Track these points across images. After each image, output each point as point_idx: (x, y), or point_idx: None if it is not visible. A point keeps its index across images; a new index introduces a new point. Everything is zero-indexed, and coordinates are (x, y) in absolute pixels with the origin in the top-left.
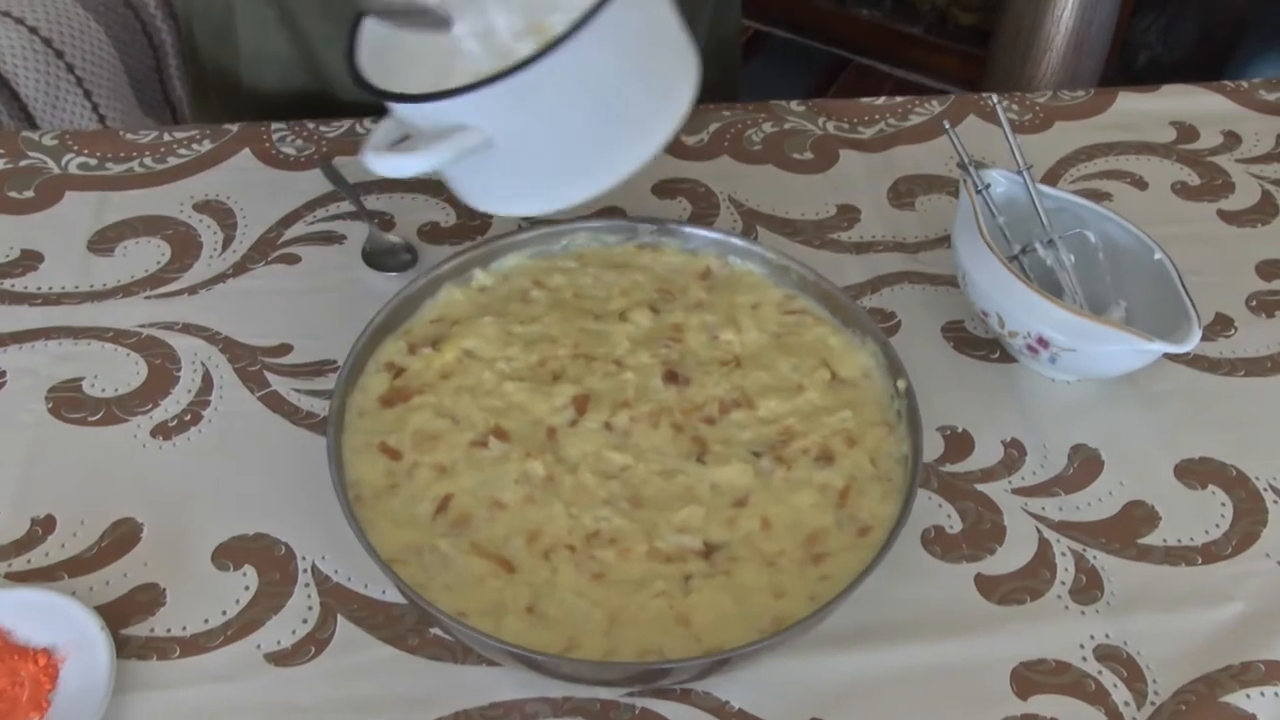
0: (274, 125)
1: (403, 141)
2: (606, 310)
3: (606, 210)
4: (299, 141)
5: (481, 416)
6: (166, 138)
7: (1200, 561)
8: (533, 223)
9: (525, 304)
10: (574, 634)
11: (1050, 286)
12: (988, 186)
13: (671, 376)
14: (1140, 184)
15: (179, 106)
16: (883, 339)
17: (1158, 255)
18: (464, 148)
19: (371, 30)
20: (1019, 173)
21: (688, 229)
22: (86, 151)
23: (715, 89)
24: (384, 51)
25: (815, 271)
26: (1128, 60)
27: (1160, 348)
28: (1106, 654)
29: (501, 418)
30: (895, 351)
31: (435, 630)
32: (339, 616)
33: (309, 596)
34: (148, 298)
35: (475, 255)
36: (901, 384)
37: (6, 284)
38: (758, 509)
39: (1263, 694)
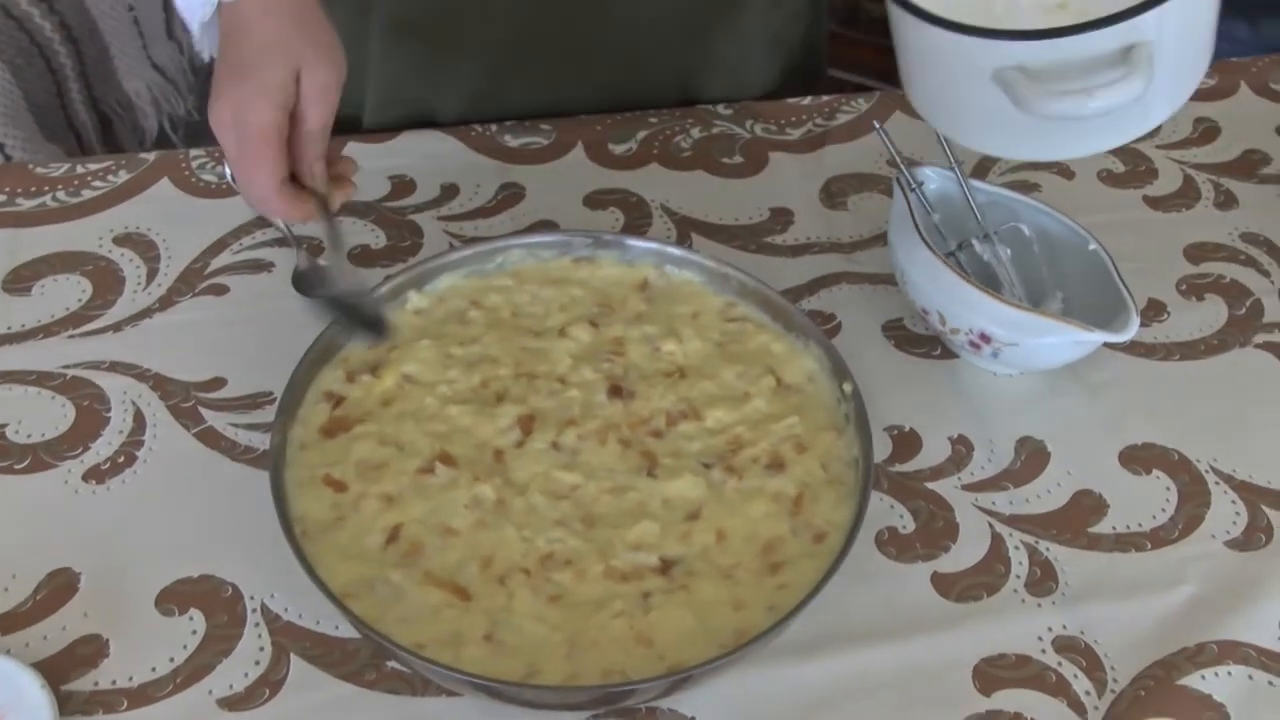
0: (193, 152)
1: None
2: (546, 327)
3: (539, 225)
4: (219, 168)
5: (426, 442)
6: (80, 170)
7: (1149, 547)
8: (464, 241)
9: (463, 325)
10: (534, 660)
11: (988, 281)
12: (920, 184)
13: (616, 391)
14: (1067, 173)
15: (84, 133)
16: (825, 342)
17: (1092, 246)
18: (1151, 59)
19: None
20: (950, 169)
21: (625, 240)
22: None
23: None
24: None
25: (754, 277)
26: None
27: (1100, 337)
28: (1065, 645)
29: (447, 443)
30: (839, 354)
31: (393, 664)
32: (292, 655)
33: (260, 637)
34: (71, 337)
35: (409, 277)
36: (847, 387)
37: None
38: (712, 521)
39: (1217, 674)
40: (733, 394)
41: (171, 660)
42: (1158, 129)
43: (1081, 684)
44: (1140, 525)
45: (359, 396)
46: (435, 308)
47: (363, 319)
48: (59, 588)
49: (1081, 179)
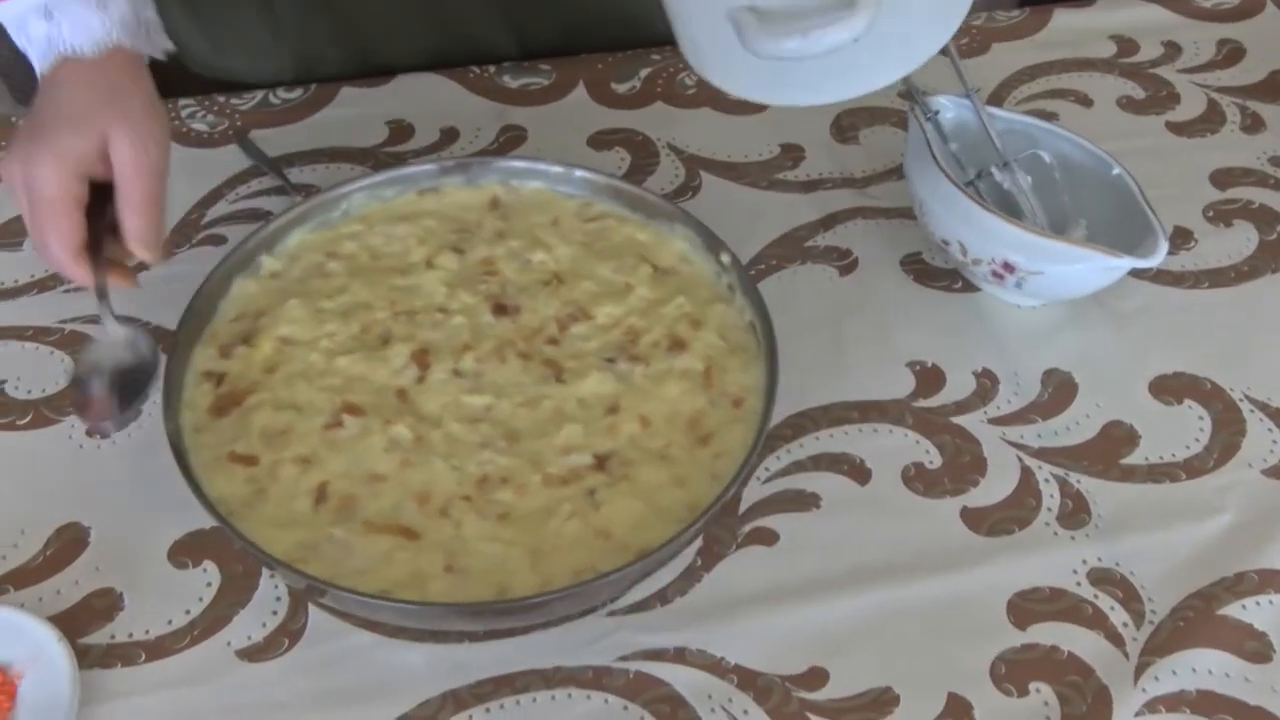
0: (182, 101)
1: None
2: (410, 263)
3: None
4: (210, 116)
5: (325, 398)
6: None
7: (1184, 477)
8: (304, 195)
9: (325, 278)
10: (501, 579)
11: (1009, 210)
12: (936, 113)
13: (500, 309)
14: (1085, 101)
15: None
16: (691, 220)
17: (1116, 170)
18: None
19: None
20: (966, 96)
21: (466, 163)
22: None
23: None
24: None
25: (602, 172)
26: None
27: (1128, 263)
28: (1100, 577)
29: (346, 394)
30: (708, 229)
31: None
32: (310, 605)
33: (276, 587)
34: (65, 292)
35: (257, 242)
36: (725, 258)
37: None
38: (631, 410)
39: (1258, 603)
40: (614, 288)
41: (187, 612)
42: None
43: (1119, 615)
44: (1174, 455)
45: (240, 369)
46: (291, 267)
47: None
48: (69, 542)
49: (1100, 106)
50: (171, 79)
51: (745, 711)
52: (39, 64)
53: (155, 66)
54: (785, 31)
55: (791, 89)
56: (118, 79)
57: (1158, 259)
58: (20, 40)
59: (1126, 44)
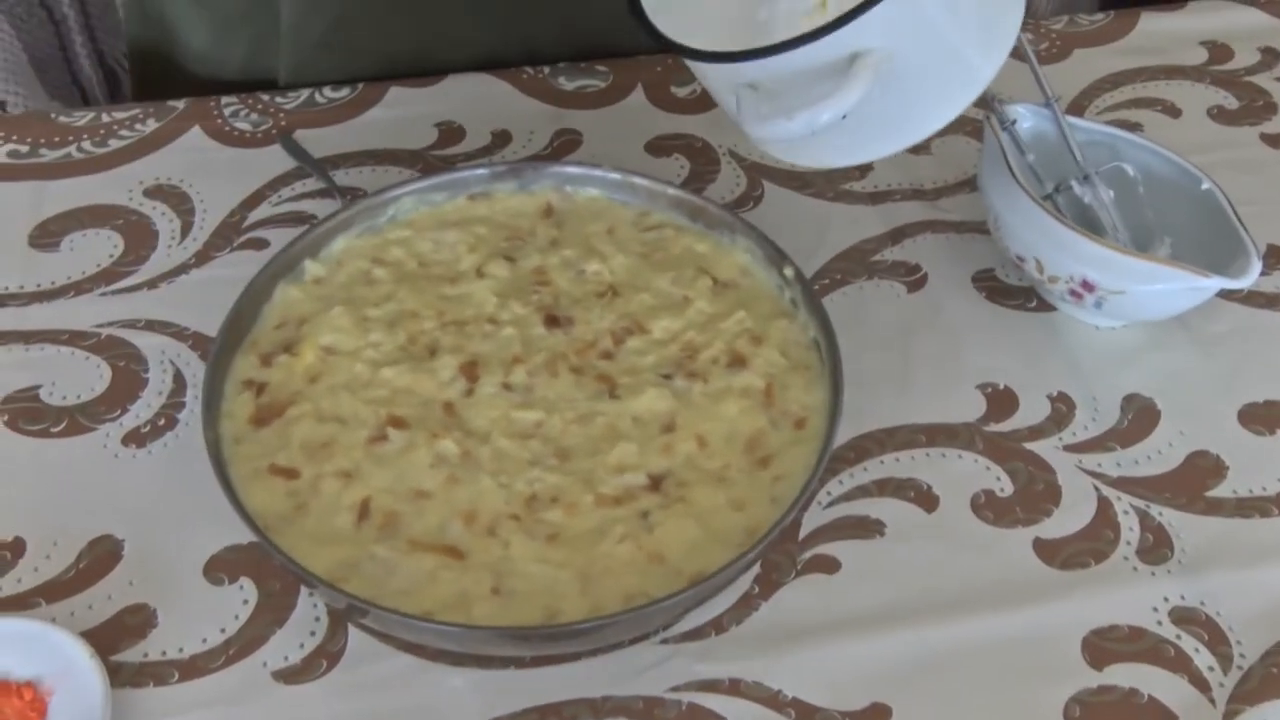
0: (224, 99)
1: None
2: (459, 271)
3: (416, 163)
4: (254, 115)
5: (369, 410)
6: (105, 118)
7: (1276, 513)
8: (349, 199)
9: (370, 285)
10: (550, 602)
11: (1089, 226)
12: (1013, 122)
13: (553, 321)
14: (1173, 111)
15: (89, 88)
16: (754, 232)
17: (1205, 185)
18: (876, 69)
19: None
20: (1046, 105)
21: (519, 168)
22: (15, 137)
23: None
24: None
25: (660, 180)
26: None
27: (1217, 283)
28: (1183, 617)
29: (391, 406)
30: (771, 241)
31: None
32: (349, 625)
33: (315, 606)
34: (103, 294)
35: (301, 247)
36: (789, 271)
37: None
38: (688, 429)
39: None
40: (671, 301)
41: (223, 631)
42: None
43: (1204, 659)
44: (1265, 489)
45: (281, 379)
46: (335, 273)
47: None
48: (102, 555)
49: (1189, 116)
50: (163, 79)
51: None
52: None
53: (147, 65)
54: (771, 113)
55: (822, 151)
56: None
57: (1250, 279)
58: None
59: (1219, 50)
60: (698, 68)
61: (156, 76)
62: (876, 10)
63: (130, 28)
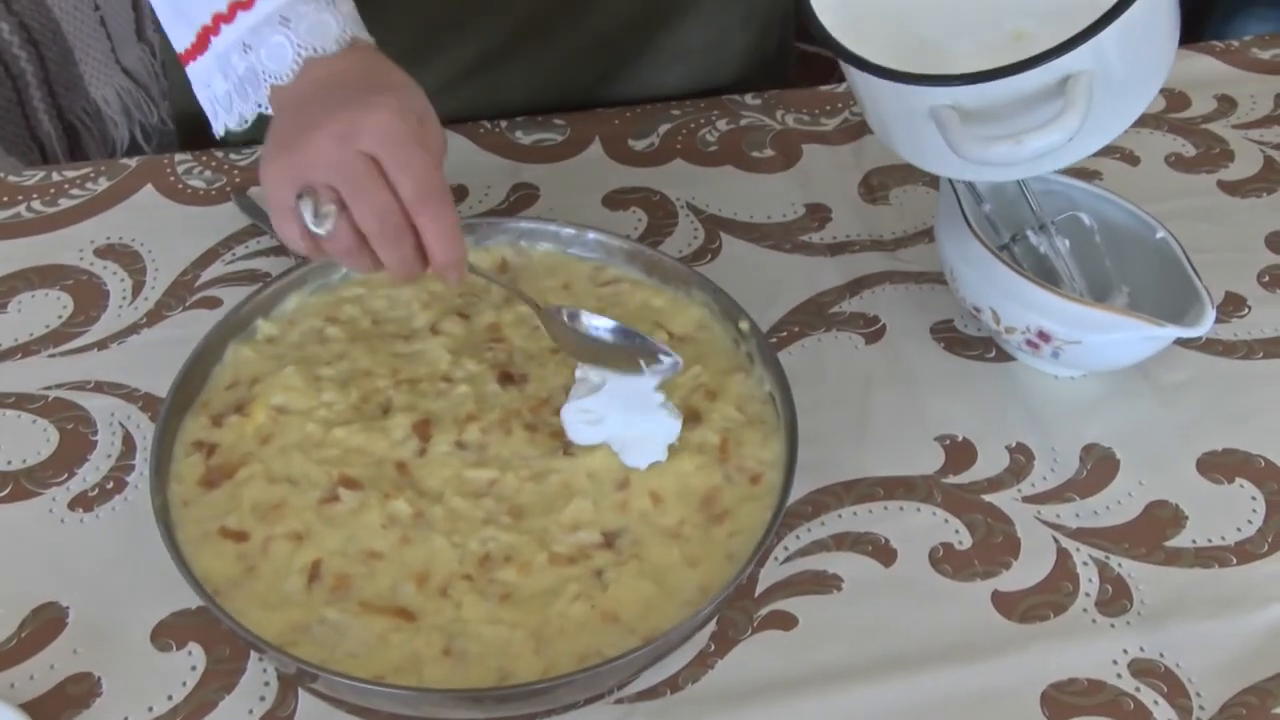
0: (178, 156)
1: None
2: (413, 329)
3: None
4: (207, 172)
5: (321, 471)
6: (56, 177)
7: (1235, 562)
8: (299, 260)
9: (323, 344)
10: (503, 663)
11: (1046, 275)
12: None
13: (507, 378)
14: (1131, 159)
15: (48, 144)
16: (710, 286)
17: (1160, 234)
18: (1090, 91)
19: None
20: None
21: (470, 222)
22: None
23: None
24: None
25: (616, 234)
26: None
27: (1172, 332)
28: (1143, 669)
29: (343, 466)
30: (727, 295)
31: None
32: (300, 690)
33: (265, 671)
34: (51, 356)
35: (253, 305)
36: (744, 325)
37: None
38: (643, 485)
39: None
40: None
41: (170, 698)
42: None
43: (1163, 711)
44: (1224, 539)
45: (232, 440)
46: (288, 332)
47: None
48: (46, 623)
49: (1147, 164)
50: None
51: None
52: (276, 73)
53: (192, 129)
54: (994, 137)
55: (984, 168)
56: (370, 63)
57: (1204, 328)
58: (205, 89)
59: (1177, 98)
60: (873, 86)
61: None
62: (1106, 33)
63: (174, 94)
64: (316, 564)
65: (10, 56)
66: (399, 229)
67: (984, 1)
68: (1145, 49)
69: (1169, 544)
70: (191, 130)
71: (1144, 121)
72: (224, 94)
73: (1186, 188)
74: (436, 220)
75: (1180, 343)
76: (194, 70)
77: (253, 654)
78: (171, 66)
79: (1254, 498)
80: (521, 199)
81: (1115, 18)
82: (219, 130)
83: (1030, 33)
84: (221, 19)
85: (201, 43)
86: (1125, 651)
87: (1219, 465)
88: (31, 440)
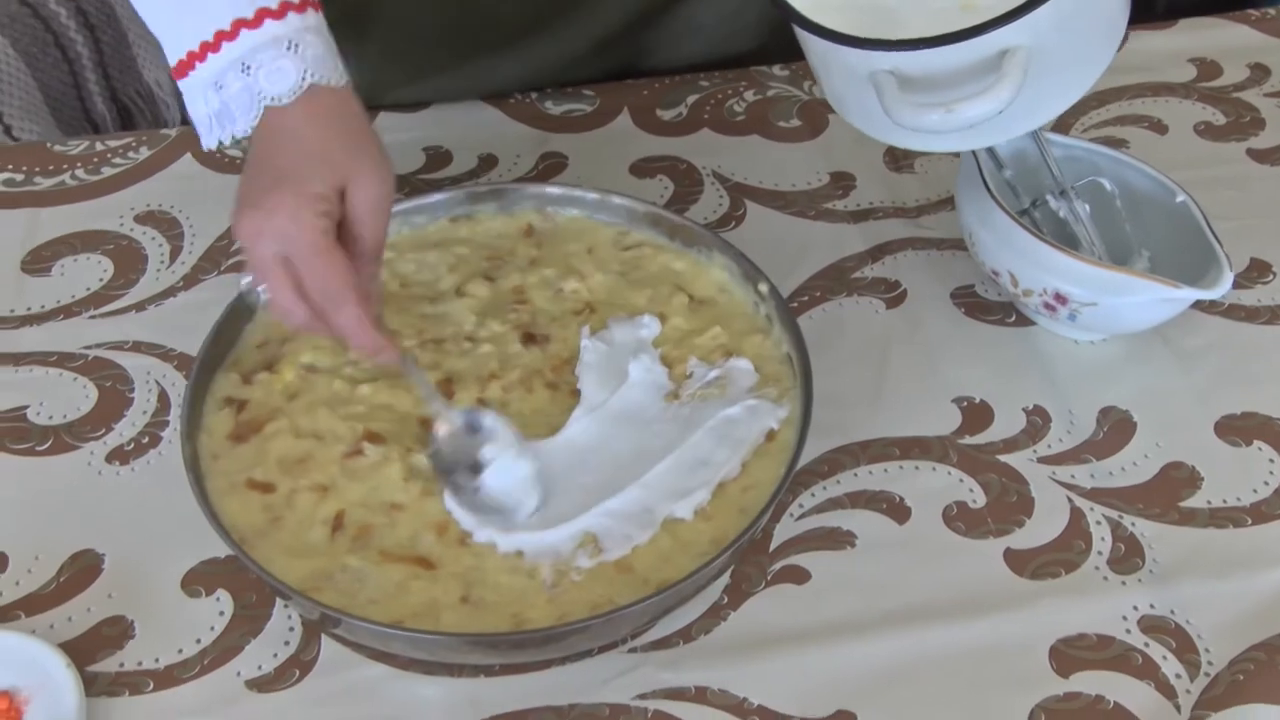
0: None
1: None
2: (439, 291)
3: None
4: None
5: (346, 426)
6: (99, 147)
7: (1250, 523)
8: None
9: None
10: (517, 610)
11: (1066, 240)
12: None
13: (530, 338)
14: (1159, 127)
15: (102, 125)
16: (730, 250)
17: (1180, 198)
18: (1025, 66)
19: None
20: None
21: (501, 189)
22: (11, 167)
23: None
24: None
25: (641, 199)
26: (1145, 3)
27: (1188, 294)
28: (1153, 625)
29: (368, 421)
30: (748, 259)
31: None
32: (323, 636)
33: (290, 617)
34: (92, 317)
35: None
36: (763, 287)
37: None
38: None
39: None
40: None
41: (198, 641)
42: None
43: (1171, 666)
44: (1239, 499)
45: (261, 396)
46: None
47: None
48: (83, 569)
49: (1175, 133)
50: None
51: None
52: (242, 122)
53: None
54: (928, 104)
55: (934, 137)
56: (348, 118)
57: (1220, 291)
58: (202, 104)
59: (1208, 67)
60: (822, 51)
61: None
62: (1042, 9)
63: None
64: (340, 515)
65: (67, 40)
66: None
67: None
68: (1086, 30)
69: (1184, 504)
70: None
71: (1173, 90)
72: (204, 116)
73: (1215, 156)
74: (342, 318)
75: (1201, 308)
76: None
77: (278, 601)
78: None
79: (1272, 460)
80: (550, 167)
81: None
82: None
83: (979, 5)
84: (195, 57)
85: (181, 71)
86: (1135, 608)
87: (1237, 428)
88: (72, 397)
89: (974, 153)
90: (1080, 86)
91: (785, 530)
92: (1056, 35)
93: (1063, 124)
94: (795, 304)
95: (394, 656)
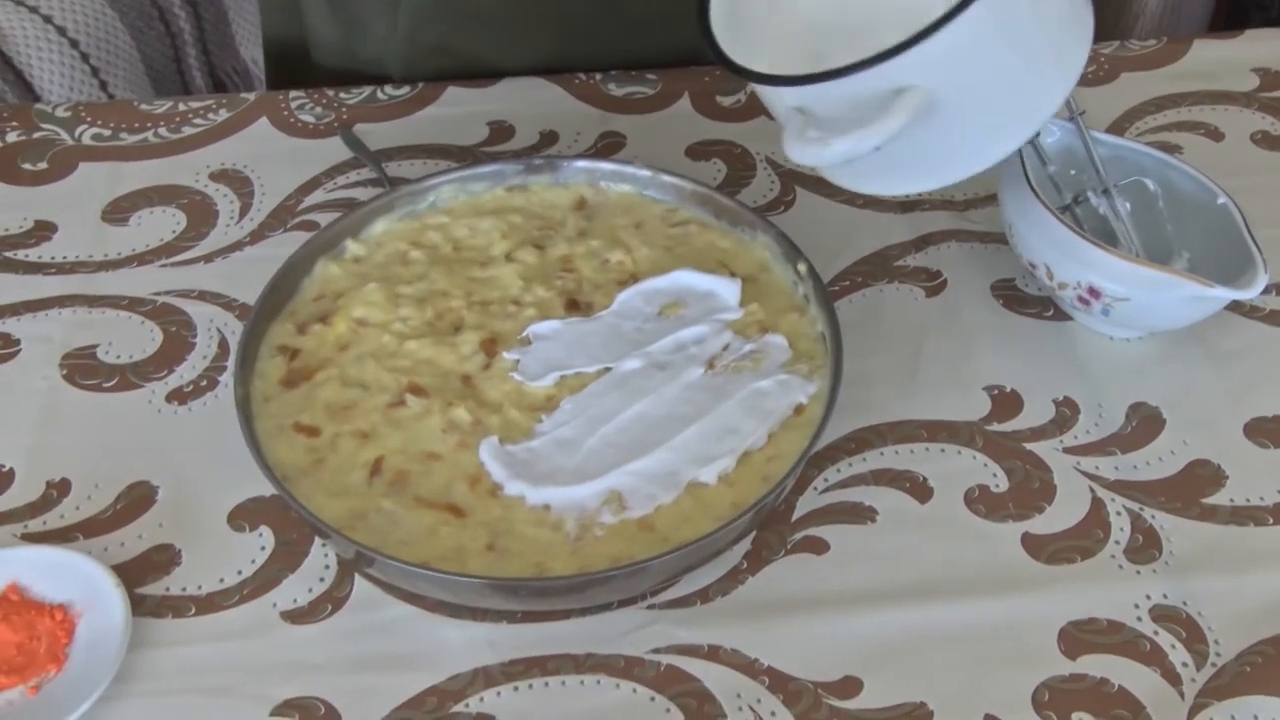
0: (292, 93)
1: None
2: (490, 256)
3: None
4: (318, 109)
5: (392, 378)
6: (181, 107)
7: (1271, 522)
8: (393, 185)
9: (406, 265)
10: (540, 559)
11: (1105, 237)
12: (1037, 134)
13: (573, 305)
14: (1215, 135)
15: None
16: (773, 230)
17: (1221, 200)
18: (915, 108)
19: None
20: (1071, 119)
21: (556, 162)
22: (100, 123)
23: None
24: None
25: (691, 179)
26: (1236, 23)
27: (1222, 293)
28: (1164, 614)
29: (413, 375)
30: (789, 239)
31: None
32: (355, 575)
33: (326, 555)
34: (163, 266)
35: (344, 226)
36: (802, 267)
37: (20, 254)
38: None
39: None
40: None
41: (240, 573)
42: None
43: (1179, 655)
44: (1262, 499)
45: (313, 346)
46: (374, 253)
47: None
48: (138, 499)
49: (1231, 140)
50: (297, 69)
51: (773, 713)
52: None
53: (282, 55)
54: (811, 138)
55: (867, 180)
56: None
57: (1254, 292)
58: None
59: (1272, 77)
60: (758, 87)
61: (291, 67)
62: (911, 53)
63: (267, 17)
64: (379, 460)
65: (171, 15)
66: None
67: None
68: (993, 85)
69: (1206, 501)
70: (279, 58)
71: (1232, 99)
72: None
73: (1269, 164)
74: None
75: (1242, 312)
76: None
77: (315, 540)
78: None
79: None
80: (608, 146)
81: (924, 38)
82: None
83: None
84: None
85: None
86: (1148, 597)
87: (1267, 430)
88: (139, 339)
89: (1019, 147)
90: (985, 154)
91: (808, 502)
92: (954, 84)
93: (1118, 127)
94: (837, 288)
95: (421, 598)
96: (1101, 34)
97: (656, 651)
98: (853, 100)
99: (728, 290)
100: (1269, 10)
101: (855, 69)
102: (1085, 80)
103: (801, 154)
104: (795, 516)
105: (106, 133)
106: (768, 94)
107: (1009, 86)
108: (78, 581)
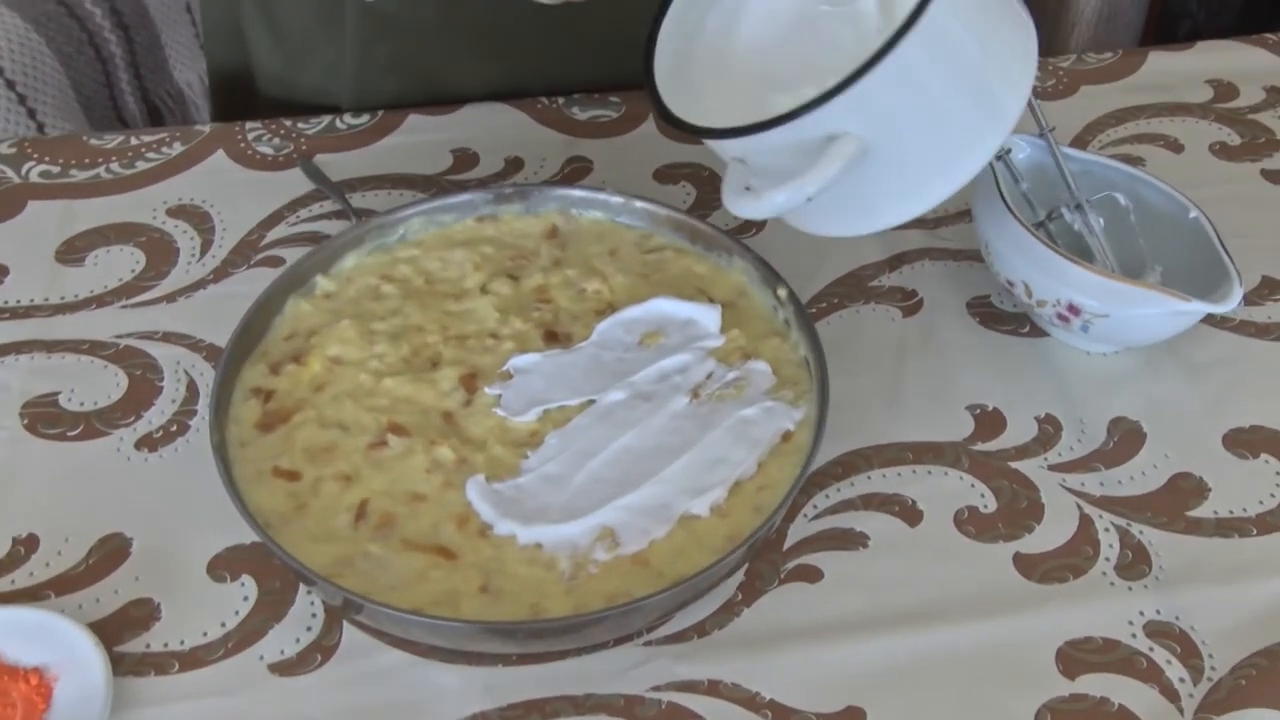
0: (249, 124)
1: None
2: (463, 289)
3: (431, 187)
4: (276, 140)
5: (371, 418)
6: (134, 141)
7: (1255, 533)
8: (359, 217)
9: (379, 300)
10: (536, 600)
11: (1080, 253)
12: (1008, 151)
13: (552, 336)
14: (1175, 146)
15: (133, 124)
16: (750, 254)
17: (1193, 214)
18: (848, 156)
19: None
20: (1041, 136)
21: (525, 190)
22: (48, 159)
23: None
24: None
25: (664, 204)
26: (1167, 30)
27: (1199, 307)
28: (1157, 630)
29: (392, 414)
30: (767, 263)
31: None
32: (344, 622)
33: (312, 603)
34: (123, 307)
35: (313, 262)
36: (782, 292)
37: None
38: None
39: None
40: None
41: (223, 625)
42: None
43: (1175, 670)
44: (1245, 510)
45: (288, 387)
46: (345, 289)
47: None
48: (111, 552)
49: (1191, 152)
50: (241, 100)
51: None
52: None
53: (226, 86)
54: (744, 194)
55: (813, 222)
56: None
57: (1230, 305)
58: None
59: (1225, 88)
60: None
61: (235, 98)
62: (836, 101)
63: (210, 48)
64: (363, 503)
65: (101, 39)
66: None
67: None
68: (931, 124)
69: (1190, 514)
70: (225, 89)
71: (1189, 111)
72: None
73: (1229, 175)
74: None
75: (1213, 323)
76: None
77: (301, 587)
78: (207, 24)
79: (1279, 472)
80: (575, 171)
81: (846, 86)
82: None
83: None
84: None
85: None
86: (1141, 613)
87: (1245, 441)
88: (103, 384)
89: (991, 165)
90: (920, 200)
91: (799, 530)
92: (891, 130)
93: (1080, 141)
94: (813, 310)
95: (413, 644)
96: (1038, 45)
97: (656, 689)
98: (793, 149)
99: (707, 317)
100: (1195, 17)
101: (777, 122)
102: (1046, 94)
103: (737, 208)
104: (787, 545)
105: (55, 169)
106: (710, 145)
107: (947, 124)
108: (53, 642)
